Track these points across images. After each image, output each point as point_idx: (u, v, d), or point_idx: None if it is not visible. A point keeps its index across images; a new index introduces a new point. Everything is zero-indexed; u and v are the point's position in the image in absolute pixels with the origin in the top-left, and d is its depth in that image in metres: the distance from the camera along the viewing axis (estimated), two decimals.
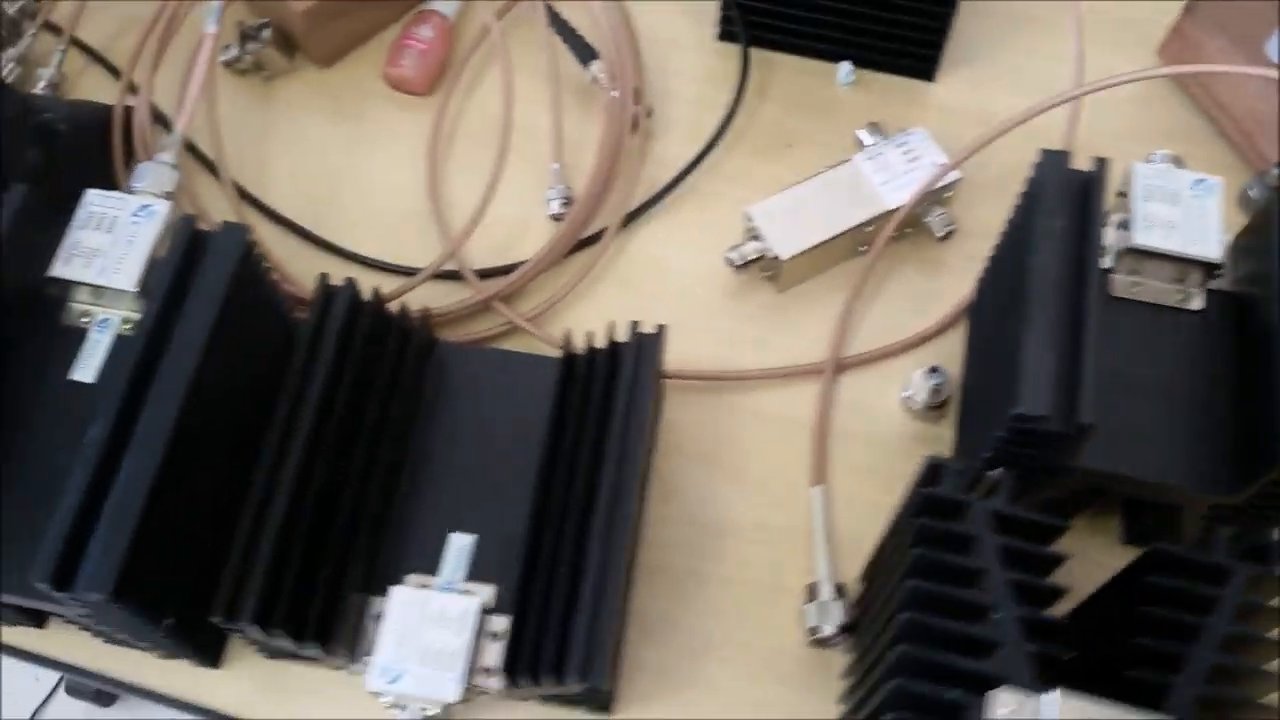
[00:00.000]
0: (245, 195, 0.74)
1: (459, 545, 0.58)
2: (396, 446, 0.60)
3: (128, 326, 0.58)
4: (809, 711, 0.61)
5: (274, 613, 0.53)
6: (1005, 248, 0.64)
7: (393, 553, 0.58)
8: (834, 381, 0.69)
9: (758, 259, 0.69)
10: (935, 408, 0.67)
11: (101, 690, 1.32)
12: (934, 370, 0.66)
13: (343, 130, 0.77)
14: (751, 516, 0.66)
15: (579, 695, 0.57)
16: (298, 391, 0.56)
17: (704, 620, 0.63)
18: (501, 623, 0.55)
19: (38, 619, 0.62)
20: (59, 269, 0.57)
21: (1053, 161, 0.59)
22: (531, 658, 0.53)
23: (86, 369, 0.57)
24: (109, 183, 0.71)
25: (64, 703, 1.34)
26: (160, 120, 0.74)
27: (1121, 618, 0.50)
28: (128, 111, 0.72)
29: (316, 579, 0.55)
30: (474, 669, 0.54)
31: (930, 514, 0.48)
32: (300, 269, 0.72)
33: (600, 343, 0.61)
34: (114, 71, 0.78)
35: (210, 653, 0.62)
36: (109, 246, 0.57)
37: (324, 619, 0.55)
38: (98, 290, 0.57)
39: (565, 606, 0.53)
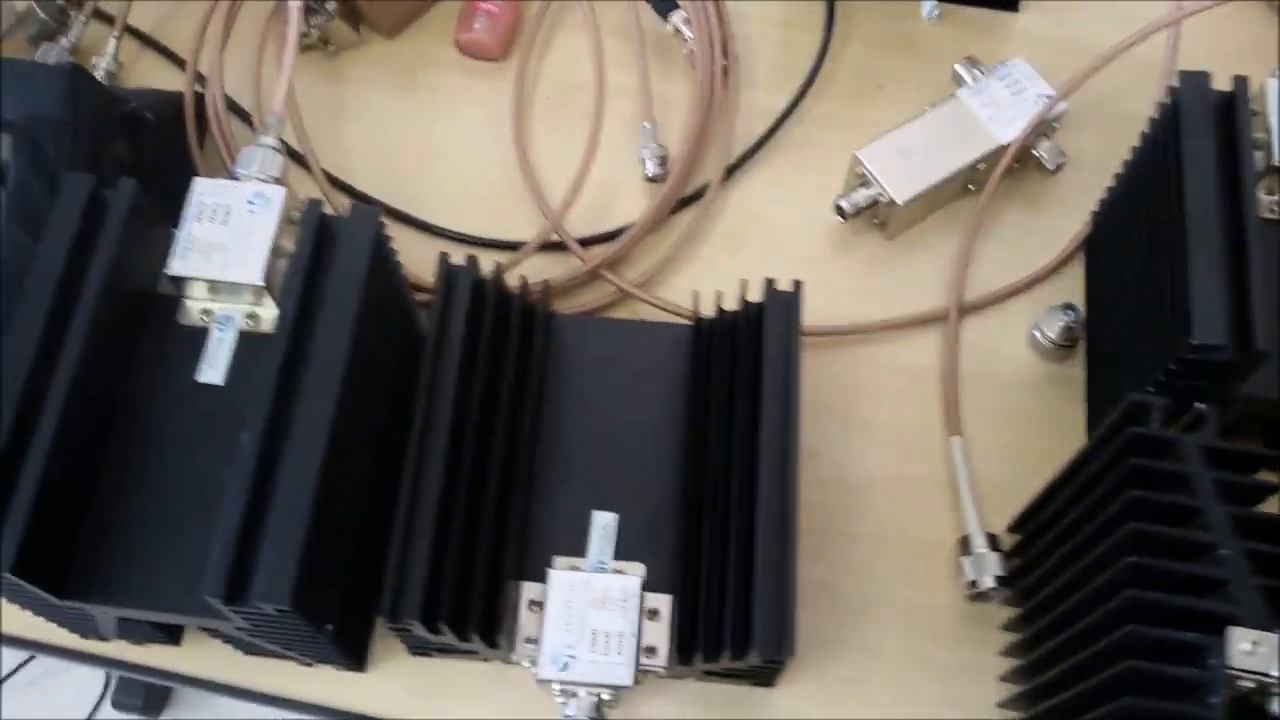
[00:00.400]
0: (333, 179, 0.71)
1: (602, 524, 0.56)
2: (532, 426, 0.58)
3: (251, 322, 0.55)
4: (970, 666, 0.60)
5: (438, 607, 0.51)
6: (1136, 175, 0.62)
7: (537, 536, 0.56)
8: (958, 326, 0.67)
9: (870, 206, 0.67)
10: (1064, 346, 0.65)
11: (149, 700, 1.30)
12: (1067, 308, 0.64)
13: (417, 102, 0.74)
14: (891, 471, 0.64)
15: (746, 670, 0.55)
16: (433, 379, 0.54)
17: (856, 581, 0.62)
18: (658, 600, 0.54)
19: (174, 634, 0.60)
20: (177, 266, 0.54)
21: (1193, 82, 0.57)
22: (711, 634, 0.52)
23: (214, 370, 0.54)
24: (190, 172, 0.68)
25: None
26: (232, 106, 0.70)
27: None
28: (198, 99, 0.69)
29: (474, 569, 0.53)
30: (639, 650, 0.52)
31: (1139, 454, 0.47)
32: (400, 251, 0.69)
33: (729, 304, 0.59)
34: (170, 57, 0.75)
35: (357, 656, 0.59)
36: (227, 239, 0.54)
37: (486, 610, 0.53)
38: (216, 285, 0.54)
39: (740, 579, 0.51)
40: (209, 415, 0.53)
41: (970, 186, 0.70)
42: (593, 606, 0.53)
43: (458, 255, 0.57)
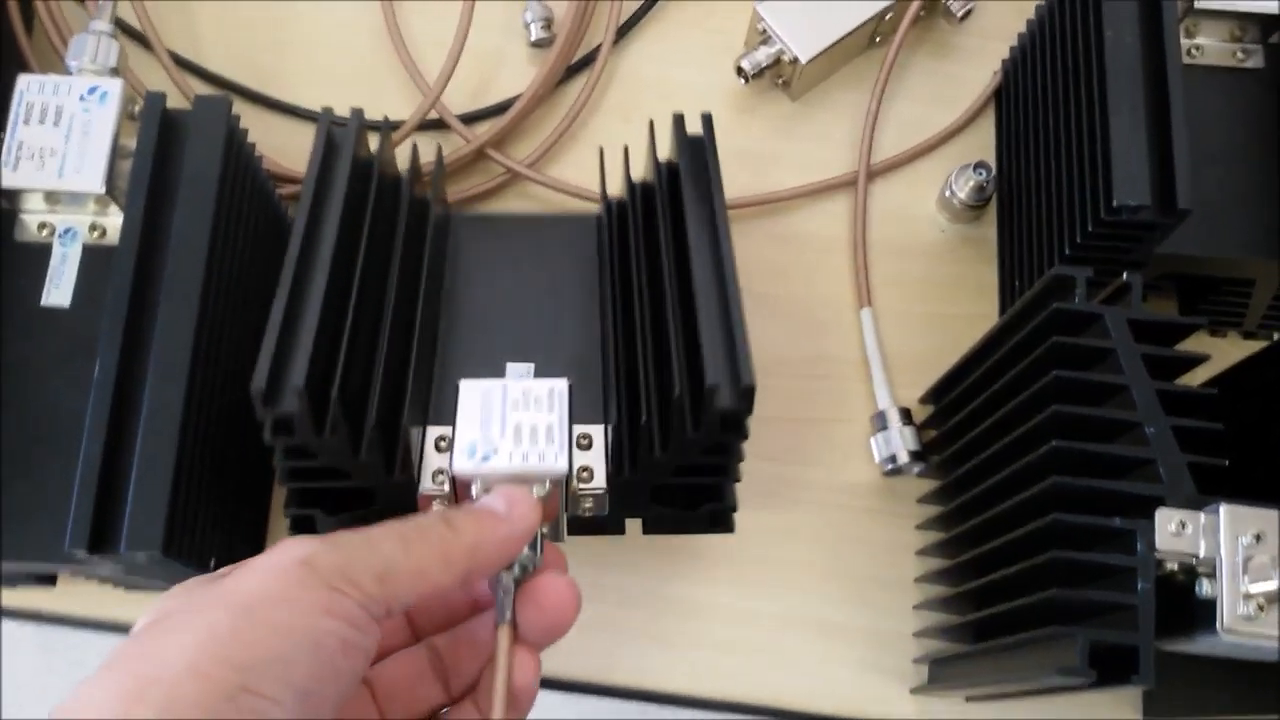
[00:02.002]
0: (179, 60, 0.64)
1: (517, 373, 0.49)
2: (428, 312, 0.51)
3: (96, 234, 0.50)
4: (889, 540, 0.59)
5: (326, 402, 0.41)
6: (1048, 22, 0.59)
7: (442, 391, 0.48)
8: (867, 192, 0.64)
9: (772, 65, 0.63)
10: (976, 206, 0.63)
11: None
12: (978, 166, 0.61)
13: None
14: (803, 349, 0.61)
15: (695, 477, 0.47)
16: (306, 239, 0.45)
17: (773, 465, 0.59)
18: (589, 429, 0.47)
19: (50, 579, 0.56)
20: (7, 178, 0.48)
21: None
22: (660, 421, 0.44)
23: (59, 290, 0.49)
24: (16, 64, 0.61)
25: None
26: None
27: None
28: None
29: (369, 394, 0.44)
30: (572, 444, 0.45)
31: (1062, 331, 0.44)
32: (258, 138, 0.63)
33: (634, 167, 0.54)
34: None
35: None
36: (61, 142, 0.48)
37: (383, 441, 0.44)
38: (55, 196, 0.49)
39: (688, 374, 0.43)
40: (59, 340, 0.48)
41: (876, 38, 0.65)
42: (513, 408, 0.44)
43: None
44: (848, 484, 0.59)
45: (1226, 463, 0.42)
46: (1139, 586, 0.41)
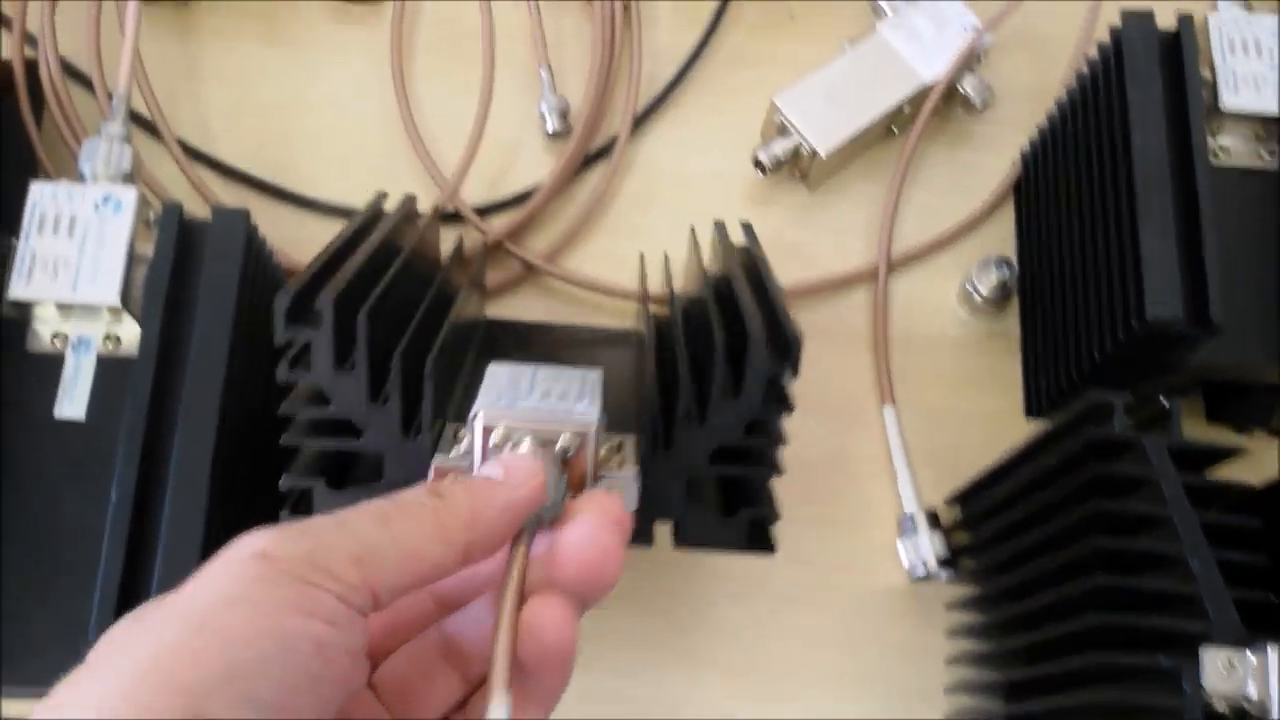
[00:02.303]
0: (190, 150, 0.63)
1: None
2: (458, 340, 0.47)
3: (110, 344, 0.48)
4: (917, 647, 0.57)
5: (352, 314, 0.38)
6: (1071, 119, 0.58)
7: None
8: (886, 285, 0.63)
9: (790, 157, 0.62)
10: (999, 301, 0.62)
11: None
12: (1001, 263, 0.61)
13: (282, 56, 0.66)
14: (826, 446, 0.60)
15: (735, 465, 0.42)
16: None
17: (794, 569, 0.58)
18: (622, 438, 0.39)
19: None
20: (20, 290, 0.47)
21: (1138, 24, 0.53)
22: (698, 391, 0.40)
23: (73, 403, 0.48)
24: (27, 157, 0.59)
25: None
26: (71, 73, 0.62)
27: None
28: (30, 68, 0.60)
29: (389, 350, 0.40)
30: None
31: (1100, 458, 0.44)
32: (270, 231, 0.62)
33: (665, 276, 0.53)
34: None
35: None
36: (75, 253, 0.47)
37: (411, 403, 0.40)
38: (69, 307, 0.48)
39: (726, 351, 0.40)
40: (73, 454, 0.47)
41: (893, 128, 0.65)
42: (539, 385, 0.37)
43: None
44: (874, 587, 0.58)
45: (1272, 597, 0.42)
46: None
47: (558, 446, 0.35)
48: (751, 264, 0.48)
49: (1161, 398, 0.44)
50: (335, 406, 0.40)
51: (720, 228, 0.52)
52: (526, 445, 0.34)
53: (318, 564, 0.27)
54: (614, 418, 0.39)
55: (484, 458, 0.35)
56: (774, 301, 0.40)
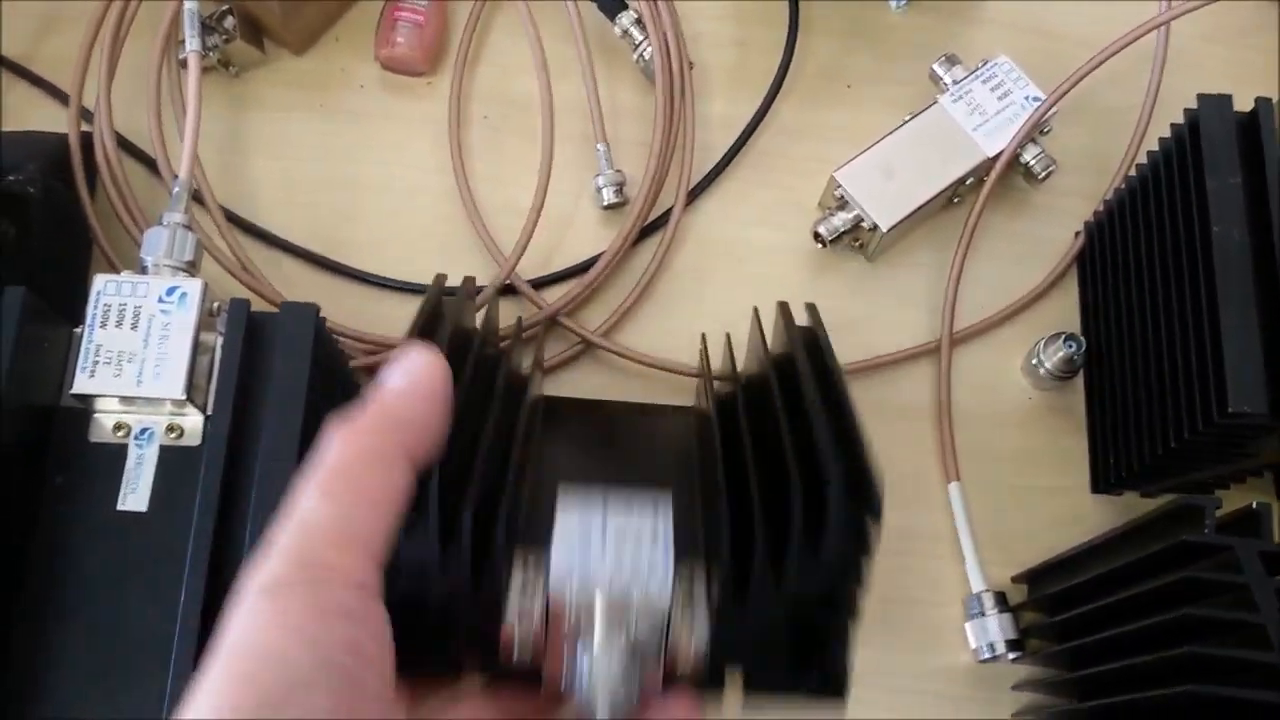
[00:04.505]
0: (235, 220, 0.62)
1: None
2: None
3: (173, 435, 0.48)
4: None
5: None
6: (1141, 198, 0.57)
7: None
8: (950, 360, 0.62)
9: (850, 230, 0.61)
10: (1064, 377, 0.61)
11: None
12: (1068, 339, 0.60)
13: (335, 128, 0.65)
14: (892, 524, 0.59)
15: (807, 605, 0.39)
16: None
17: (861, 649, 0.57)
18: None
19: None
20: (85, 384, 0.46)
21: (1216, 108, 0.52)
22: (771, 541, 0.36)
23: (135, 495, 0.47)
24: (82, 232, 0.59)
25: None
26: (125, 146, 0.61)
27: None
28: (84, 139, 0.60)
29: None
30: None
31: (1191, 562, 0.43)
32: (321, 303, 0.61)
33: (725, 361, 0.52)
34: (44, 87, 0.65)
35: None
36: (139, 346, 0.46)
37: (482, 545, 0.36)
38: (132, 399, 0.47)
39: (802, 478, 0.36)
40: (135, 547, 0.46)
41: (954, 199, 0.64)
42: (613, 530, 0.36)
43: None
44: (939, 669, 0.57)
45: None
46: None
47: (632, 638, 0.34)
48: (819, 362, 0.46)
49: (1254, 502, 0.43)
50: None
51: (784, 308, 0.51)
52: (598, 639, 0.34)
53: (313, 563, 0.28)
54: (678, 517, 0.38)
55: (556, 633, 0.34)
56: (850, 430, 0.38)
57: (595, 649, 0.33)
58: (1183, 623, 0.42)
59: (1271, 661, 0.41)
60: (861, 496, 0.36)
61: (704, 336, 0.54)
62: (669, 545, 0.35)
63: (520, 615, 0.34)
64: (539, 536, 0.36)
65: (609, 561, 0.35)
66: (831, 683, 0.40)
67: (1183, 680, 0.41)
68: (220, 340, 0.47)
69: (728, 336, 0.53)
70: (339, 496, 0.29)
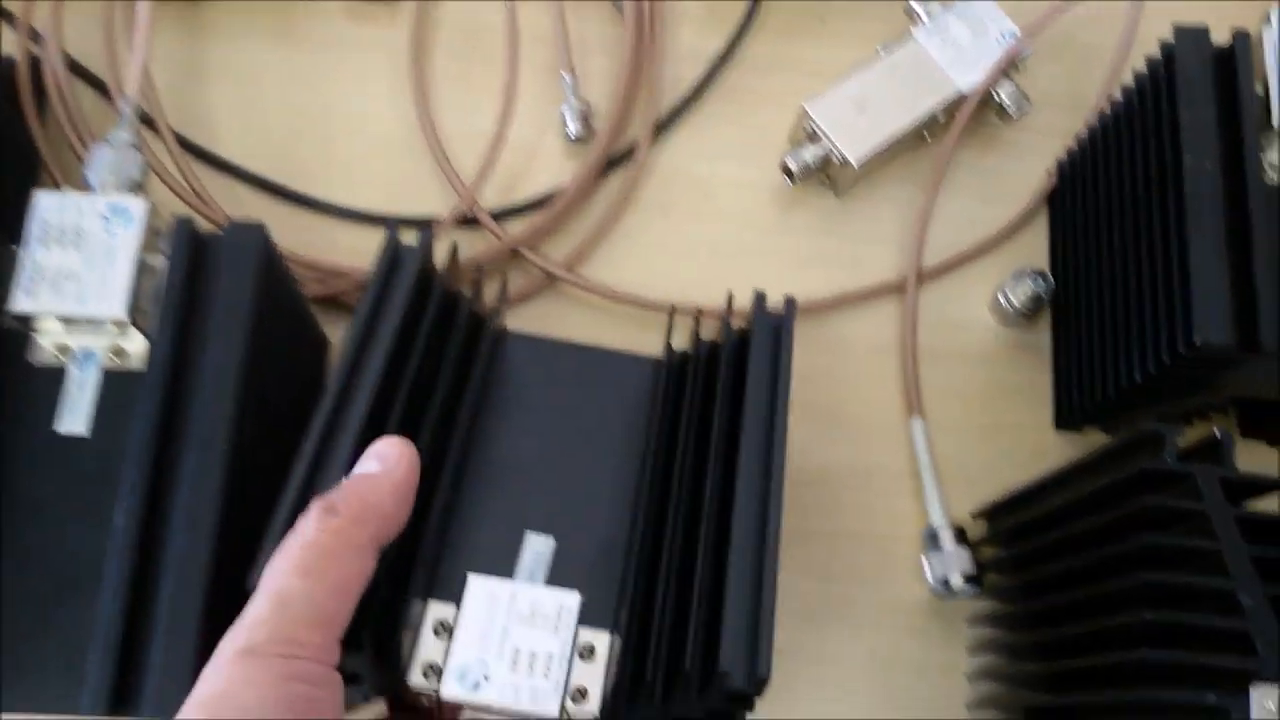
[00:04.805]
0: (190, 147, 0.61)
1: (536, 546, 0.46)
2: (463, 442, 0.48)
3: (117, 358, 0.47)
4: (938, 663, 0.56)
5: None
6: (1114, 132, 0.56)
7: (454, 554, 0.45)
8: (916, 297, 0.61)
9: (819, 165, 0.60)
10: (1031, 314, 0.60)
11: None
12: (1036, 275, 0.59)
13: (294, 55, 0.64)
14: (854, 461, 0.59)
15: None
16: (352, 367, 0.43)
17: (813, 584, 0.57)
18: (593, 636, 0.43)
19: None
20: (23, 303, 0.45)
21: (1192, 40, 0.51)
22: (668, 670, 0.42)
23: (75, 418, 0.46)
24: (29, 157, 0.58)
25: None
26: (76, 71, 0.60)
27: None
28: (33, 63, 0.58)
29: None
30: (569, 682, 0.42)
31: (1151, 491, 0.42)
32: (276, 230, 0.60)
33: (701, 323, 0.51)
34: None
35: None
36: (82, 266, 0.45)
37: (381, 625, 0.42)
38: (73, 319, 0.46)
39: (708, 610, 0.42)
40: (75, 472, 0.45)
41: (926, 135, 0.63)
42: (518, 622, 0.43)
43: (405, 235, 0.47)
44: (894, 602, 0.57)
45: None
46: None
47: None
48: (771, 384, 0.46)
49: (1214, 429, 0.42)
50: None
51: (759, 297, 0.49)
52: None
53: (286, 639, 0.33)
54: (604, 532, 0.46)
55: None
56: (760, 611, 0.41)
57: None
58: (1139, 553, 0.42)
59: (1228, 589, 0.40)
60: (752, 682, 0.39)
61: (672, 310, 0.53)
62: (562, 674, 0.41)
63: (420, 690, 0.41)
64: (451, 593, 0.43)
65: (504, 681, 0.41)
66: None
67: (1137, 611, 0.40)
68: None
69: (697, 312, 0.52)
70: (318, 576, 0.35)
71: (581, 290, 0.59)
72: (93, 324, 0.46)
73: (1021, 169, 0.64)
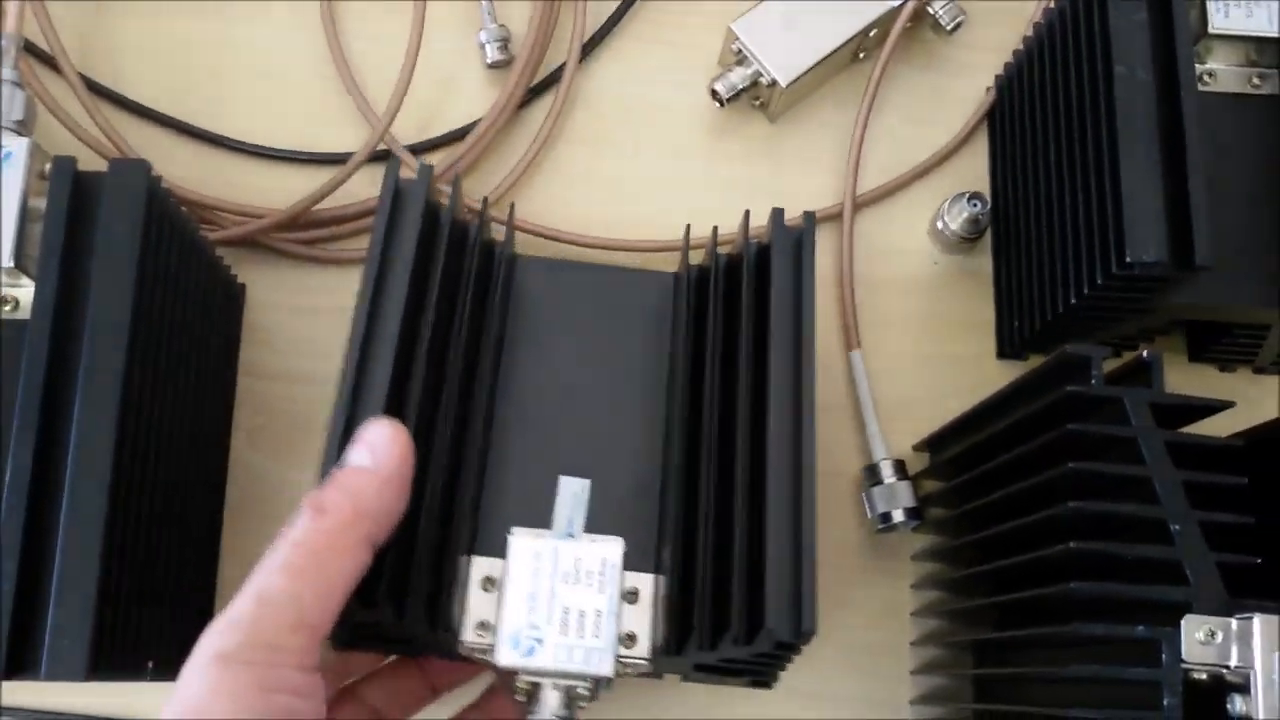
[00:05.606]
0: (95, 87, 0.58)
1: (572, 490, 0.45)
2: (490, 383, 0.47)
3: (8, 308, 0.44)
4: (881, 600, 0.55)
5: (376, 579, 0.38)
6: (1048, 45, 0.54)
7: (493, 505, 0.45)
8: (852, 225, 0.59)
9: (749, 87, 0.58)
10: (971, 239, 0.58)
11: None
12: (972, 197, 0.57)
13: None
14: None
15: (745, 665, 0.44)
16: (370, 322, 0.43)
17: None
18: (637, 580, 0.43)
19: None
20: None
21: None
22: (711, 617, 0.41)
23: None
24: None
25: None
26: None
27: None
28: None
29: (417, 539, 0.41)
30: (618, 635, 0.42)
31: (1077, 416, 0.40)
32: (184, 172, 0.58)
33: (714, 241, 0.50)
34: None
35: None
36: None
37: (432, 588, 0.42)
38: None
39: (746, 552, 0.41)
40: None
41: (860, 54, 0.61)
42: (563, 580, 0.42)
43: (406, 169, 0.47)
44: (835, 540, 0.56)
45: (1259, 561, 0.39)
46: (1165, 702, 0.37)
47: (575, 690, 0.41)
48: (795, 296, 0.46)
49: (1143, 349, 0.41)
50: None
51: (777, 214, 0.47)
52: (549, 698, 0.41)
53: (266, 644, 0.33)
54: (638, 466, 0.46)
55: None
56: (802, 566, 0.40)
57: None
58: (1067, 481, 0.40)
59: (1158, 517, 0.39)
60: (796, 632, 0.39)
61: (688, 226, 0.52)
62: (612, 630, 0.41)
63: (475, 648, 0.42)
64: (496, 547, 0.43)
65: (556, 643, 0.41)
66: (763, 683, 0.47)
67: (1066, 539, 0.39)
68: None
69: (714, 229, 0.50)
70: (301, 575, 0.34)
71: (510, 228, 0.57)
72: None
73: (961, 87, 0.62)
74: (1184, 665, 0.37)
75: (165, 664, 0.46)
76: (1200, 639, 0.38)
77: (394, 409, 0.41)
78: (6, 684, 0.43)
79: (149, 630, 0.44)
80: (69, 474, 0.40)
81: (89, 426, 0.41)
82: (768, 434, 0.42)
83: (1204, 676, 0.38)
